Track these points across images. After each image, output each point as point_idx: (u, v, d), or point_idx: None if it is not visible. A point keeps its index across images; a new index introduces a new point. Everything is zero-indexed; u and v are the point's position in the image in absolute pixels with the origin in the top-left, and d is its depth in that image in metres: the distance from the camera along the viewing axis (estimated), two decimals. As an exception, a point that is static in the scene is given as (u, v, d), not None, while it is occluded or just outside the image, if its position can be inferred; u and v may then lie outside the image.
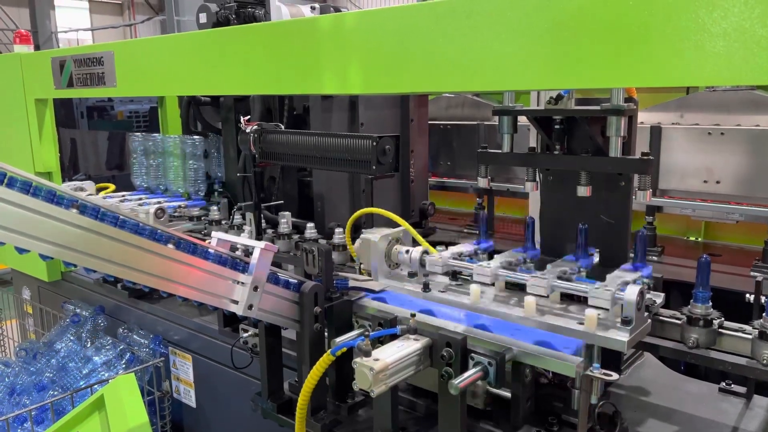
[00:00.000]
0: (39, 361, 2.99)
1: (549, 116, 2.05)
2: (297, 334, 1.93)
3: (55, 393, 2.69)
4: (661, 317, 1.85)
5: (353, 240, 2.36)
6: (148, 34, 18.12)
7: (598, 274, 2.00)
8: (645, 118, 3.29)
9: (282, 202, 3.20)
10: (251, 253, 1.78)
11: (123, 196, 3.49)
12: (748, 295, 1.81)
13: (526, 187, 2.13)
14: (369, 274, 2.21)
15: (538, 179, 2.14)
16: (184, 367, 2.77)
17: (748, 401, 1.87)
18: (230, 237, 1.85)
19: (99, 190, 3.61)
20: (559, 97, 2.01)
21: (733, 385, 1.92)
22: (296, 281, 1.90)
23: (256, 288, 1.75)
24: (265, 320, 1.88)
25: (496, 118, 2.20)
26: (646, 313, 1.72)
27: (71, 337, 3.05)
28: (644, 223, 3.15)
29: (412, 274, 2.12)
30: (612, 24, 1.31)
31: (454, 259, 2.05)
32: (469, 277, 2.01)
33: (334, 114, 3.00)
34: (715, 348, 1.76)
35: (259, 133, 2.62)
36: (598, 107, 1.92)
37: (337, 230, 2.63)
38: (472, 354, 1.58)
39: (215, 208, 3.23)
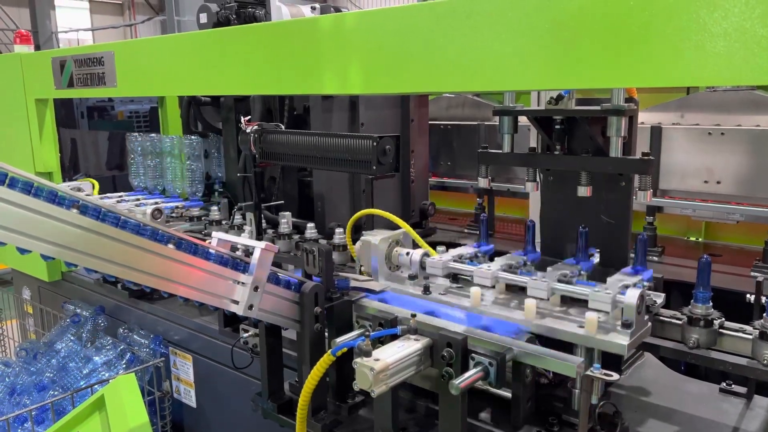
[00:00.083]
0: (39, 361, 2.99)
1: (549, 116, 2.05)
2: (297, 334, 1.93)
3: (56, 393, 2.69)
4: (661, 317, 1.85)
5: (354, 241, 2.36)
6: (149, 35, 18.12)
7: (598, 274, 2.00)
8: (645, 118, 3.29)
9: (282, 202, 3.20)
10: (252, 254, 1.78)
11: (120, 196, 3.48)
12: (748, 296, 1.80)
13: (527, 187, 2.13)
14: (369, 275, 2.22)
15: (538, 179, 2.14)
16: (184, 367, 2.77)
17: (748, 401, 1.87)
18: (231, 237, 1.85)
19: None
20: (559, 98, 2.01)
21: (733, 386, 1.92)
22: (297, 281, 1.90)
23: (256, 288, 1.75)
24: (266, 320, 1.88)
25: (497, 118, 2.20)
26: (646, 316, 1.72)
27: (71, 337, 3.05)
28: (644, 224, 3.15)
29: (412, 277, 2.12)
30: (612, 24, 1.31)
31: (455, 261, 2.05)
32: (469, 277, 2.00)
33: (335, 114, 3.00)
34: (715, 348, 1.76)
35: (260, 133, 2.62)
36: (598, 107, 1.92)
37: (338, 230, 2.63)
38: (473, 354, 1.58)
39: (215, 208, 3.23)
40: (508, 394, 1.74)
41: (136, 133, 3.78)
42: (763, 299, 1.75)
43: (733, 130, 3.00)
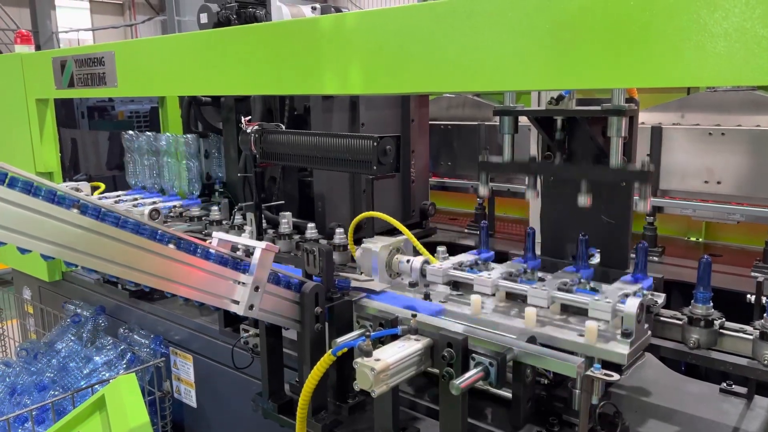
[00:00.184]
0: (40, 361, 2.99)
1: (550, 117, 2.05)
2: (298, 334, 1.93)
3: (56, 393, 2.69)
4: (662, 318, 1.85)
5: (355, 240, 2.37)
6: (149, 35, 18.12)
7: (598, 274, 2.00)
8: (646, 118, 3.29)
9: (283, 202, 3.20)
10: (252, 254, 1.78)
11: (118, 195, 3.48)
12: (748, 296, 1.80)
13: (527, 195, 2.13)
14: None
15: (538, 187, 2.14)
16: (184, 367, 2.77)
17: (749, 402, 1.87)
18: (231, 237, 1.85)
19: (92, 189, 3.60)
20: (560, 98, 2.01)
21: (734, 386, 1.91)
22: (297, 281, 1.90)
23: (257, 288, 1.75)
24: (266, 320, 1.88)
25: (497, 118, 2.20)
26: (646, 325, 1.73)
27: (72, 337, 3.05)
28: (645, 224, 3.15)
29: (413, 284, 2.13)
30: (613, 24, 1.31)
31: (455, 269, 2.05)
32: (471, 281, 2.00)
33: (335, 114, 3.00)
34: (716, 348, 1.76)
35: (260, 134, 2.62)
36: (599, 108, 1.92)
37: (338, 230, 2.64)
38: (473, 354, 1.58)
39: (216, 208, 3.23)
40: (508, 394, 1.74)
41: (132, 131, 3.77)
42: (764, 299, 1.75)
43: (734, 131, 3.00)
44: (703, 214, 3.12)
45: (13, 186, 1.42)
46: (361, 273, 2.27)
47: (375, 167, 2.24)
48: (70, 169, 5.72)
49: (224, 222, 3.16)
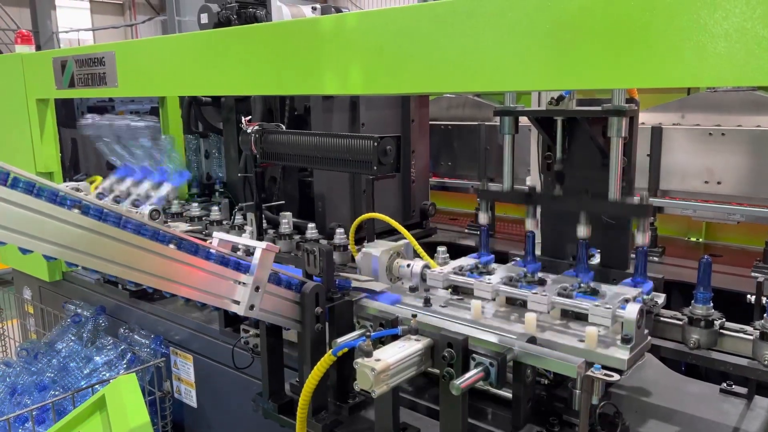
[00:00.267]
0: (40, 361, 2.99)
1: (550, 117, 2.05)
2: (298, 334, 1.93)
3: (57, 393, 2.69)
4: (662, 318, 1.85)
5: (356, 240, 2.37)
6: (149, 35, 18.13)
7: (599, 275, 2.00)
8: (646, 118, 3.29)
9: (283, 202, 3.21)
10: (252, 254, 1.78)
11: (112, 188, 3.32)
12: (749, 296, 1.81)
13: (527, 225, 2.13)
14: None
15: (538, 216, 2.14)
16: (185, 368, 2.77)
17: (749, 402, 1.87)
18: (231, 237, 1.85)
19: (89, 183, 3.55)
20: (560, 98, 2.01)
21: (734, 386, 1.92)
22: (297, 281, 1.90)
23: (257, 288, 1.75)
24: (267, 320, 1.88)
25: (497, 118, 2.21)
26: (646, 330, 1.73)
27: (72, 337, 3.05)
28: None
29: (413, 289, 2.13)
30: (613, 24, 1.31)
31: (455, 273, 2.05)
32: (471, 286, 2.00)
33: (335, 114, 3.00)
34: (716, 349, 1.76)
35: (261, 134, 2.62)
36: (599, 108, 1.92)
37: (338, 230, 2.64)
38: (474, 354, 1.58)
39: (216, 208, 3.24)
40: (508, 394, 1.74)
41: (89, 116, 3.70)
42: (764, 300, 1.75)
43: (734, 131, 3.00)
44: (704, 215, 3.13)
45: (15, 186, 1.42)
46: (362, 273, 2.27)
47: (375, 167, 2.24)
48: (70, 168, 5.71)
49: (224, 222, 3.16)
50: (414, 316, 1.74)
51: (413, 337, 1.65)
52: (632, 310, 1.64)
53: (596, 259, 2.14)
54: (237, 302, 1.76)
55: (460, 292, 2.08)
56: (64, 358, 2.91)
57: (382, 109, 3.20)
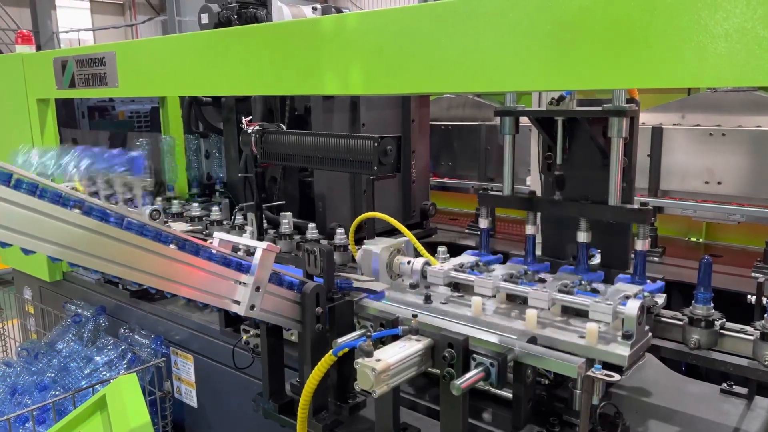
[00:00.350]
0: (40, 361, 3.00)
1: (551, 117, 2.05)
2: (299, 334, 1.93)
3: (57, 393, 2.69)
4: (662, 318, 1.85)
5: (356, 240, 2.37)
6: (150, 35, 18.13)
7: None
8: (646, 118, 3.29)
9: (283, 202, 3.21)
10: (253, 254, 1.78)
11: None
12: (749, 296, 1.81)
13: (527, 230, 2.14)
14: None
15: (538, 222, 2.14)
16: (185, 368, 2.77)
17: (749, 402, 1.87)
18: (232, 237, 1.85)
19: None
20: (560, 98, 2.01)
21: (734, 386, 1.92)
22: (298, 282, 1.90)
23: (258, 288, 1.75)
24: (267, 321, 1.88)
25: (498, 118, 2.21)
26: (647, 327, 1.73)
27: (73, 337, 3.05)
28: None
29: (413, 286, 2.13)
30: (614, 25, 1.31)
31: (456, 270, 2.05)
32: (471, 282, 2.00)
33: (336, 114, 3.01)
34: (716, 349, 1.76)
35: (261, 134, 2.62)
36: (599, 108, 1.92)
37: (339, 231, 2.64)
38: (474, 354, 1.59)
39: (216, 208, 3.24)
40: (509, 394, 1.74)
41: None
42: (764, 300, 1.75)
43: (734, 131, 3.00)
44: (704, 215, 3.13)
45: (18, 188, 1.42)
46: (362, 273, 2.27)
47: (376, 167, 2.24)
48: (71, 169, 5.71)
49: (225, 222, 3.16)
50: (414, 316, 1.74)
51: (414, 337, 1.65)
52: (633, 306, 1.64)
53: (596, 260, 2.14)
54: (237, 302, 1.76)
55: (461, 289, 2.08)
56: (64, 358, 2.91)
57: (382, 110, 3.20)
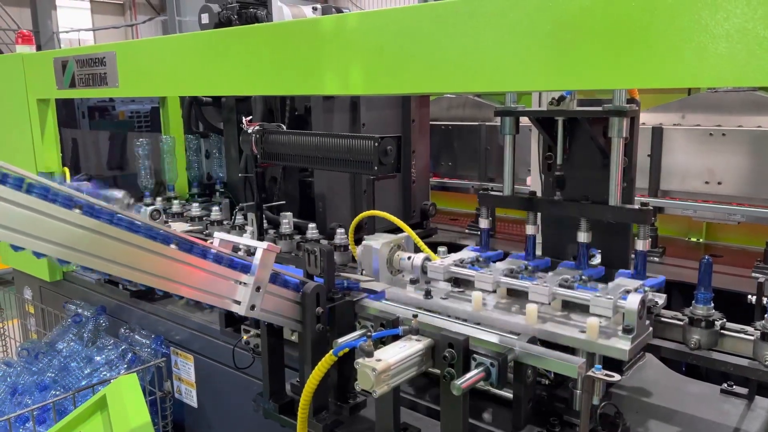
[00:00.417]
0: (41, 361, 3.00)
1: (551, 117, 2.05)
2: (299, 334, 1.93)
3: (57, 393, 2.69)
4: (662, 318, 1.85)
5: (356, 240, 2.37)
6: (150, 35, 18.13)
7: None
8: (646, 119, 3.30)
9: (283, 202, 3.21)
10: (253, 254, 1.78)
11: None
12: (749, 296, 1.80)
13: (527, 230, 2.14)
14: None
15: (538, 222, 2.14)
16: (185, 368, 2.77)
17: (749, 402, 1.87)
18: (232, 237, 1.85)
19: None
20: (561, 98, 2.01)
21: (734, 387, 1.92)
22: (298, 282, 1.90)
23: (258, 288, 1.75)
24: (267, 321, 1.89)
25: (498, 118, 2.21)
26: (647, 321, 1.73)
27: (73, 337, 3.05)
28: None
29: (414, 281, 2.13)
30: (614, 25, 1.31)
31: (456, 265, 2.05)
32: (472, 277, 2.00)
33: (336, 114, 3.01)
34: (716, 349, 1.76)
35: (261, 134, 2.62)
36: (600, 108, 1.92)
37: (339, 231, 2.64)
38: (474, 354, 1.59)
39: (217, 208, 3.24)
40: (509, 394, 1.74)
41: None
42: (765, 300, 1.75)
43: (734, 131, 3.00)
44: (704, 215, 3.13)
45: (20, 188, 1.42)
46: (362, 273, 2.27)
47: (376, 167, 2.24)
48: (71, 169, 5.71)
49: (225, 222, 3.16)
50: (415, 316, 1.74)
51: (414, 337, 1.65)
52: (633, 301, 1.64)
53: (597, 260, 2.14)
54: (238, 302, 1.76)
55: (461, 285, 2.08)
56: (64, 358, 2.91)
57: (382, 110, 3.20)
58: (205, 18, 3.29)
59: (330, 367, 1.69)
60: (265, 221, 2.95)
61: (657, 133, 3.16)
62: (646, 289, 1.81)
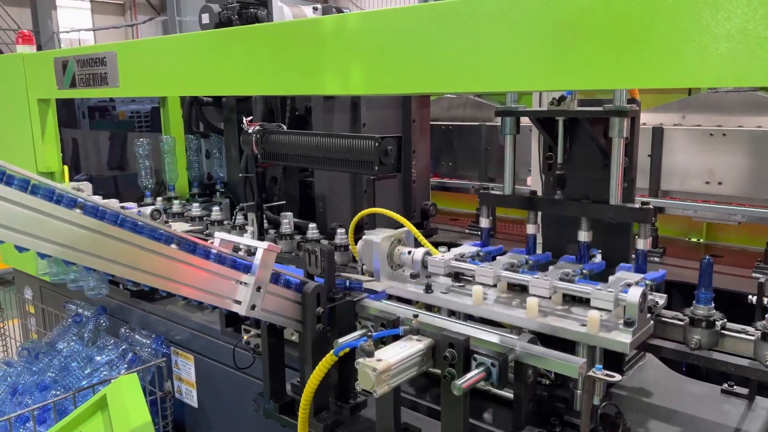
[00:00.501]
0: (41, 361, 3.00)
1: (551, 117, 2.05)
2: (299, 334, 1.93)
3: (58, 393, 2.69)
4: (663, 318, 1.85)
5: (355, 241, 2.36)
6: (150, 35, 18.13)
7: (600, 275, 2.00)
8: (647, 119, 3.30)
9: (284, 202, 3.21)
10: (254, 254, 1.78)
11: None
12: (750, 297, 1.80)
13: (528, 229, 2.13)
14: (371, 275, 2.22)
15: (539, 221, 2.15)
16: (186, 367, 2.77)
17: (750, 403, 1.87)
18: (233, 237, 1.85)
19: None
20: (561, 98, 2.01)
21: (735, 387, 1.92)
22: (299, 281, 1.90)
23: (259, 288, 1.75)
24: (268, 320, 1.89)
25: (498, 118, 2.21)
26: (648, 315, 1.72)
27: (73, 337, 3.05)
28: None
29: (414, 276, 2.12)
30: (614, 25, 1.31)
31: (457, 260, 2.05)
32: (471, 278, 2.01)
33: (336, 114, 3.00)
34: (717, 349, 1.76)
35: (262, 134, 2.62)
36: (600, 108, 1.92)
37: (339, 231, 2.64)
38: (475, 354, 1.58)
39: (217, 208, 3.24)
40: (509, 394, 1.74)
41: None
42: (765, 300, 1.75)
43: (735, 131, 3.00)
44: (704, 215, 3.13)
45: (18, 187, 1.43)
46: (363, 273, 2.27)
47: (376, 168, 2.24)
48: (72, 169, 5.71)
49: (226, 222, 3.16)
50: (415, 316, 1.74)
51: (415, 337, 1.65)
52: (635, 294, 1.64)
53: (597, 260, 2.14)
54: (238, 302, 1.76)
55: (462, 279, 2.08)
56: (65, 358, 2.91)
57: (383, 110, 3.20)
58: (205, 18, 3.29)
59: (330, 367, 1.69)
60: (265, 221, 2.95)
61: (657, 133, 3.16)
62: (647, 282, 1.81)
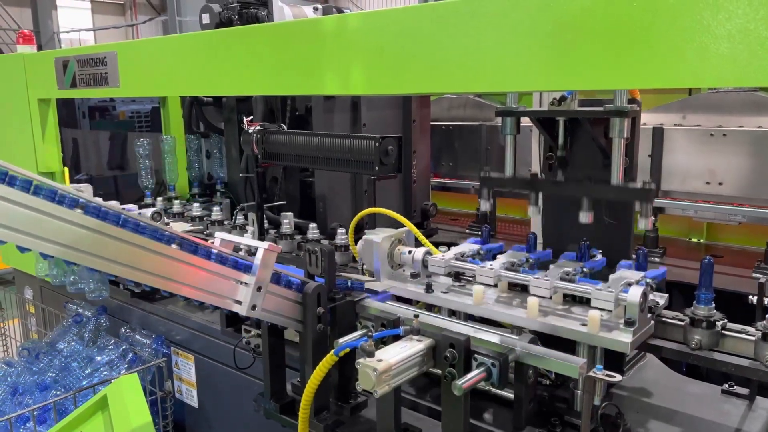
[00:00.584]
0: (41, 361, 3.00)
1: (552, 117, 2.05)
2: (300, 334, 1.93)
3: (58, 393, 2.69)
4: (664, 319, 1.85)
5: (356, 241, 2.36)
6: (150, 35, 18.14)
7: (600, 274, 2.00)
8: (647, 119, 3.29)
9: (284, 202, 3.21)
10: (254, 254, 1.78)
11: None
12: (750, 297, 1.80)
13: (530, 211, 2.12)
14: (371, 275, 2.22)
15: (540, 203, 2.14)
16: (186, 367, 2.77)
17: (750, 403, 1.87)
18: (233, 237, 1.85)
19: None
20: (562, 99, 2.01)
21: (735, 387, 1.92)
22: (299, 282, 1.90)
23: (259, 288, 1.75)
24: (268, 320, 1.89)
25: (499, 119, 2.20)
26: (649, 314, 1.72)
27: (74, 337, 3.05)
28: (646, 224, 3.15)
29: (414, 275, 2.12)
30: (615, 25, 1.31)
31: (457, 259, 2.05)
32: (471, 278, 2.00)
33: (337, 114, 3.00)
34: (717, 349, 1.76)
35: (262, 134, 2.62)
36: (601, 108, 1.92)
37: (340, 231, 2.64)
38: (476, 355, 1.59)
39: (217, 208, 3.24)
40: (510, 394, 1.74)
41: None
42: (766, 300, 1.75)
43: (735, 132, 3.00)
44: (705, 215, 3.13)
45: (27, 190, 1.43)
46: (363, 273, 2.27)
47: (377, 168, 2.24)
48: (72, 168, 5.71)
49: (226, 222, 3.16)
50: (416, 316, 1.74)
51: (415, 337, 1.65)
52: (635, 293, 1.64)
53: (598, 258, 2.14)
54: (239, 302, 1.76)
55: (462, 278, 2.08)
56: (65, 358, 2.91)
57: (383, 110, 3.20)
58: (205, 18, 3.29)
59: (331, 367, 1.69)
60: (265, 221, 2.95)
61: (658, 133, 3.16)
62: (648, 281, 1.81)
